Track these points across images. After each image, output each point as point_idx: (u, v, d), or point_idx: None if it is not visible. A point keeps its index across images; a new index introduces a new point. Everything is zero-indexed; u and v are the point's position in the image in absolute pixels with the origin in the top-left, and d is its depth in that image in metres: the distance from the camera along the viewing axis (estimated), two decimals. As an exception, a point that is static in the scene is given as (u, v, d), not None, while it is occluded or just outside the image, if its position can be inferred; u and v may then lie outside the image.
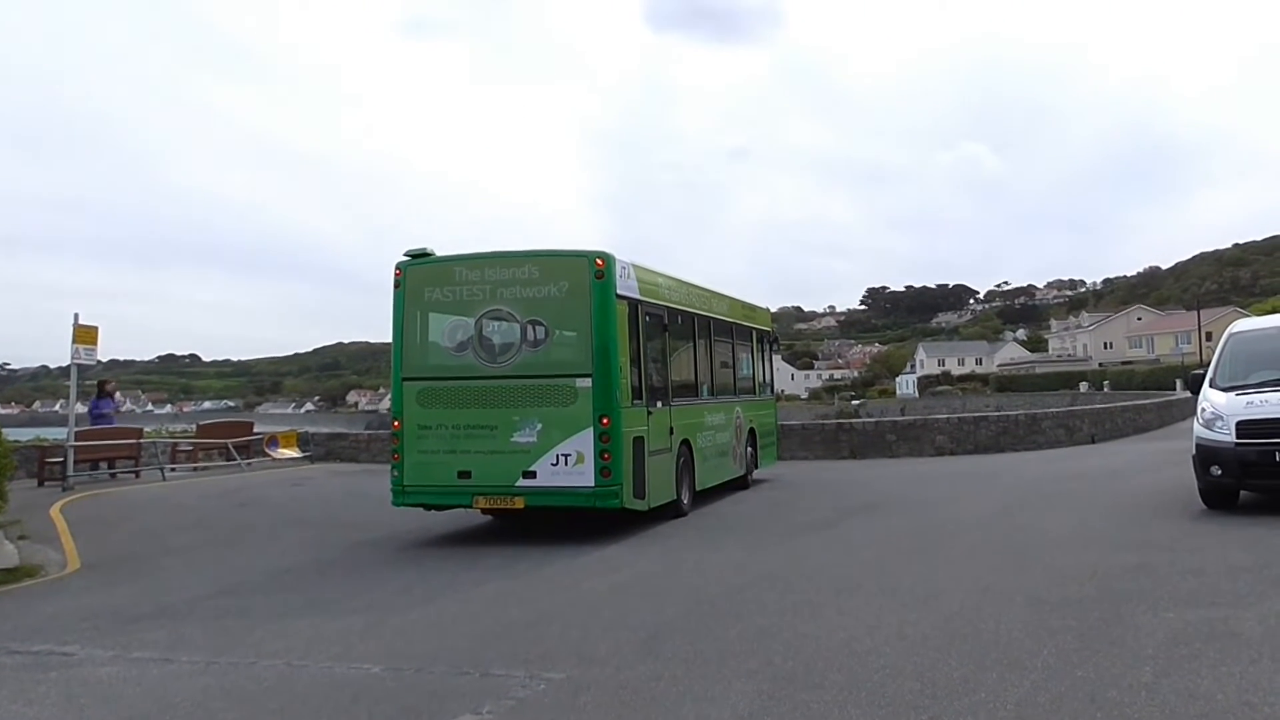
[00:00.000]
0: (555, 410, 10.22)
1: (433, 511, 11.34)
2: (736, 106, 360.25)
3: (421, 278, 10.86)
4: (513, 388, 10.36)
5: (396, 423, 10.76)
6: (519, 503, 10.33)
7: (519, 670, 5.27)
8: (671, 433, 11.77)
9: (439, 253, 10.99)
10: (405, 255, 10.98)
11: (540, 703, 4.75)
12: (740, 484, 14.68)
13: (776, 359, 18.76)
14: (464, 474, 10.38)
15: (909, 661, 5.08)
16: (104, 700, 5.15)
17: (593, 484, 10.07)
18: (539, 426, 10.23)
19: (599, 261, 10.34)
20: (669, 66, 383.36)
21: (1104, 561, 7.62)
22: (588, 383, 10.19)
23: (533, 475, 10.19)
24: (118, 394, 21.86)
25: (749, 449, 15.22)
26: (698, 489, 12.59)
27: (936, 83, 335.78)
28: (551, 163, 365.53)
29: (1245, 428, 9.48)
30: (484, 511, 11.25)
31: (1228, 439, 9.56)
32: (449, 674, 5.30)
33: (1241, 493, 10.11)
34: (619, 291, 10.52)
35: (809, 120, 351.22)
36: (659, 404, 11.52)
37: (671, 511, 11.59)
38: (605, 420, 10.10)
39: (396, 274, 10.85)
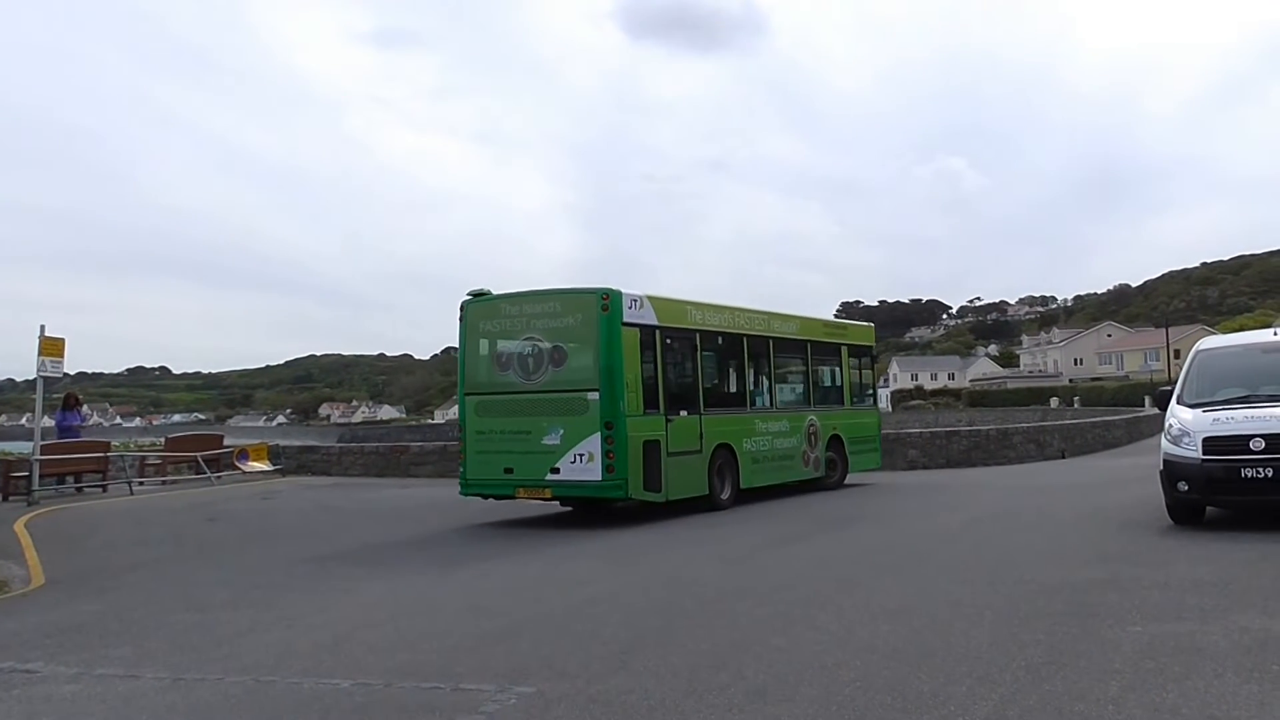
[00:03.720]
0: (573, 418, 12.51)
1: (489, 500, 13.68)
2: (713, 117, 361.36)
3: (477, 312, 13.57)
4: (542, 400, 12.79)
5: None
6: (548, 493, 12.98)
7: (489, 684, 5.24)
8: (702, 437, 13.74)
9: (477, 285, 13.54)
10: (467, 295, 13.68)
11: (510, 716, 4.72)
12: (818, 485, 16.55)
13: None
14: (508, 470, 12.88)
15: (880, 674, 5.10)
16: (67, 717, 5.07)
17: (600, 478, 12.32)
18: (561, 431, 12.55)
19: (605, 297, 12.61)
20: (645, 76, 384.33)
21: (1073, 576, 7.68)
22: (596, 396, 12.45)
23: (557, 471, 12.55)
24: (84, 407, 21.55)
25: (831, 454, 16.90)
26: (744, 486, 14.50)
27: (912, 98, 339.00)
28: (526, 172, 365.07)
29: (1211, 444, 9.60)
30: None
31: (1194, 455, 9.68)
32: (419, 688, 5.26)
33: (1208, 508, 10.24)
34: (626, 320, 12.68)
35: (785, 132, 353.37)
36: (683, 412, 13.53)
37: (705, 504, 13.66)
38: (610, 426, 12.33)
39: (460, 310, 13.60)
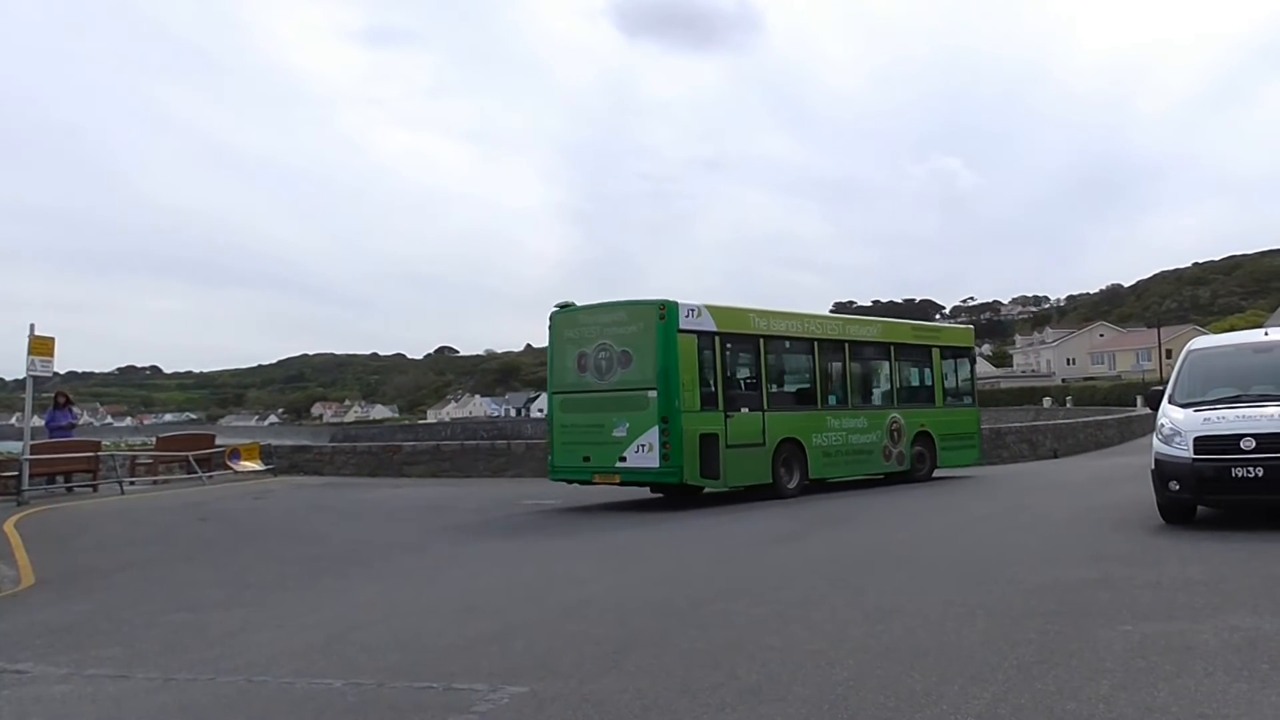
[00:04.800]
0: (636, 414, 14.25)
1: (570, 484, 15.54)
2: (708, 116, 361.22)
3: (561, 322, 15.51)
4: (611, 398, 14.60)
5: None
6: (617, 479, 14.66)
7: (482, 683, 5.23)
8: (765, 432, 15.31)
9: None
10: (555, 307, 15.67)
11: (503, 716, 4.72)
12: (905, 478, 17.76)
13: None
14: (586, 458, 14.71)
15: (873, 673, 5.11)
16: (57, 718, 5.06)
17: (658, 465, 14.04)
18: (627, 425, 14.30)
19: (662, 308, 14.38)
20: (640, 74, 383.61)
21: (1065, 575, 7.70)
22: (654, 394, 14.15)
23: (625, 460, 14.31)
24: (74, 406, 21.45)
25: (917, 449, 18.07)
26: (813, 477, 16.09)
27: (907, 97, 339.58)
28: (520, 171, 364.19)
29: (1203, 444, 9.63)
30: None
31: (1186, 455, 9.71)
32: (411, 688, 5.26)
33: (1199, 507, 10.27)
34: (683, 327, 14.38)
35: (780, 131, 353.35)
36: (744, 409, 15.13)
37: (770, 492, 15.28)
38: (665, 420, 14.03)
39: (549, 320, 15.62)
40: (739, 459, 14.81)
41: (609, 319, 14.97)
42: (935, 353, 18.94)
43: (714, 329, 14.88)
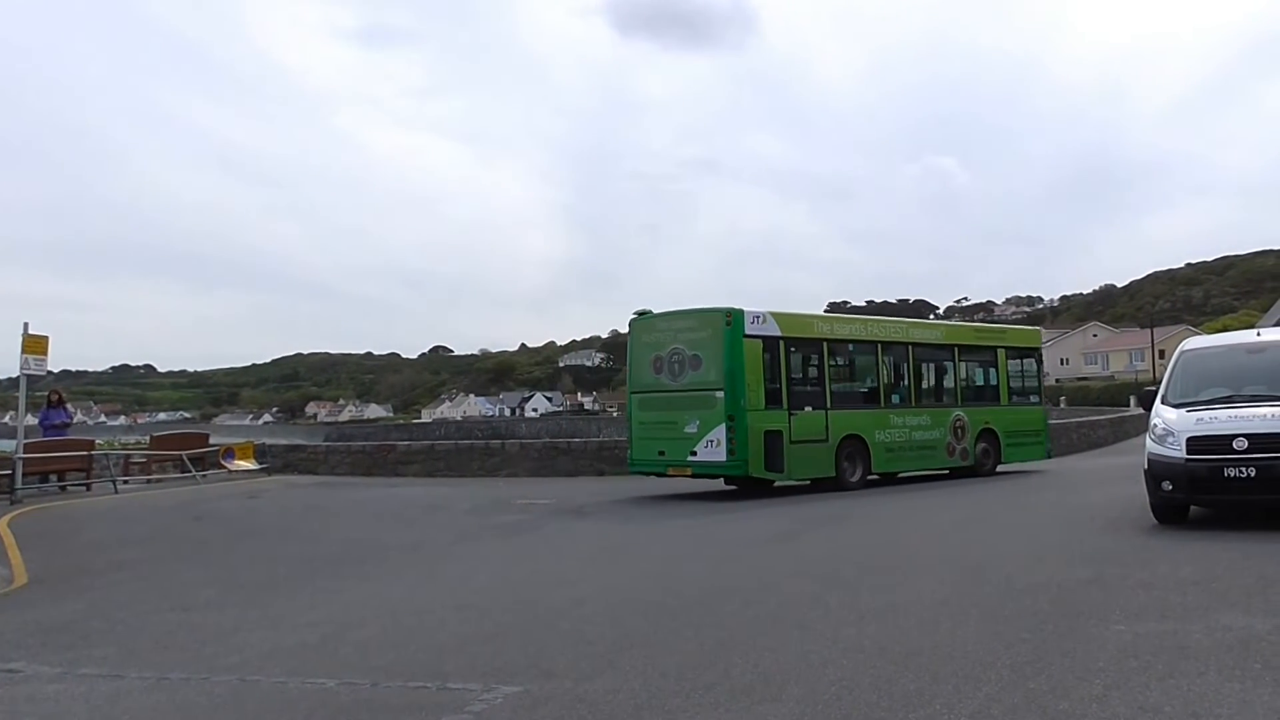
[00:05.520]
0: (705, 412, 15.55)
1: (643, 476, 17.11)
2: (703, 115, 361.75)
3: (640, 328, 17.00)
4: (684, 398, 15.95)
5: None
6: (689, 471, 15.89)
7: (476, 683, 5.23)
8: (828, 429, 16.42)
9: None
10: (633, 314, 17.27)
11: (497, 716, 4.72)
12: (970, 472, 18.60)
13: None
14: (661, 453, 16.13)
15: (866, 673, 5.11)
16: (50, 717, 5.05)
17: (725, 459, 15.32)
18: (697, 422, 15.59)
19: (728, 315, 15.59)
20: (635, 72, 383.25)
21: (1058, 575, 7.71)
22: (721, 394, 15.42)
23: (695, 454, 15.61)
24: (68, 404, 21.37)
25: (981, 445, 18.93)
26: (877, 471, 17.13)
27: (902, 96, 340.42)
28: (514, 170, 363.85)
29: (1195, 444, 9.64)
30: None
31: (1179, 455, 9.72)
32: (405, 688, 5.25)
33: (1192, 507, 10.30)
34: (748, 333, 15.58)
35: (774, 130, 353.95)
36: (808, 408, 16.29)
37: (832, 484, 16.35)
38: (731, 418, 15.27)
39: (629, 327, 17.32)
40: (802, 454, 15.97)
41: (681, 325, 16.33)
42: (1000, 353, 19.83)
43: (778, 334, 16.11)
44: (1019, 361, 20.29)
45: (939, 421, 18.32)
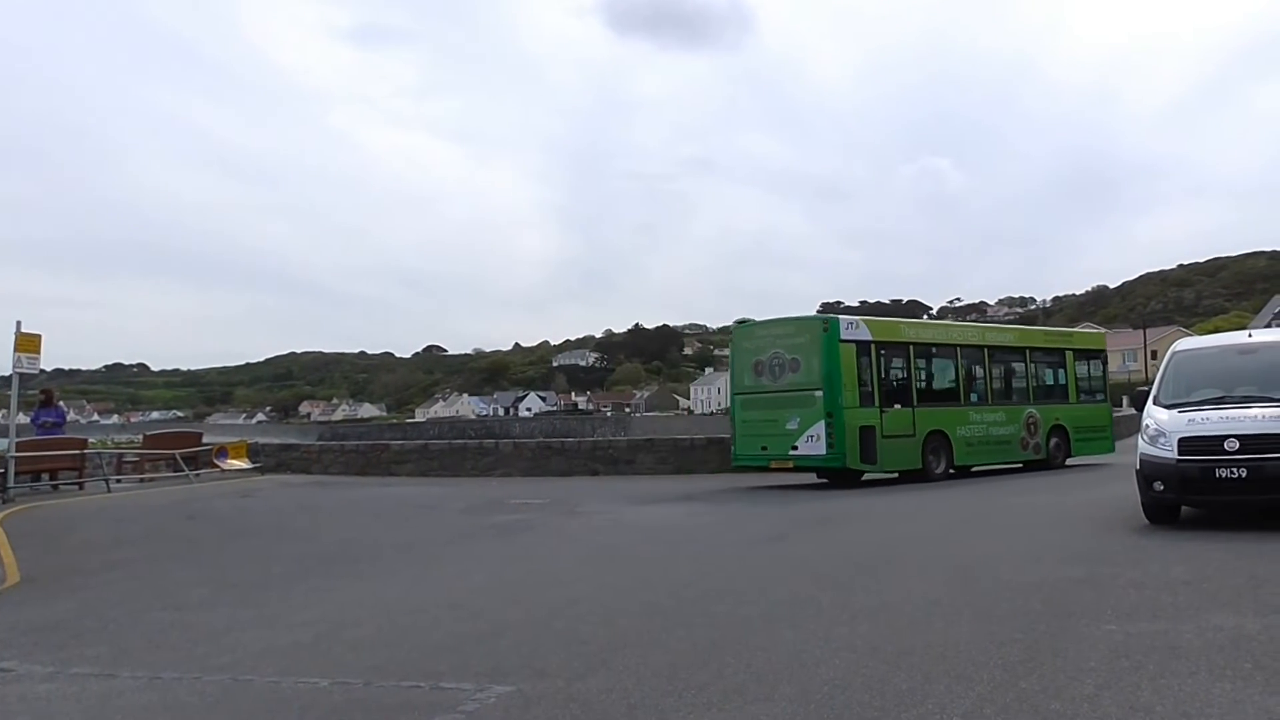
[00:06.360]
0: (805, 410, 17.09)
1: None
2: (699, 115, 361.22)
3: (741, 335, 18.70)
4: (784, 397, 17.50)
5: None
6: (790, 464, 17.43)
7: (469, 683, 5.23)
8: (914, 424, 17.92)
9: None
10: (735, 323, 19.12)
11: (489, 715, 4.72)
12: (1042, 465, 20.04)
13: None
14: (763, 448, 17.72)
15: (859, 673, 5.12)
16: (42, 717, 5.03)
17: (824, 453, 16.87)
18: (798, 419, 17.14)
19: (825, 323, 17.49)
20: (631, 72, 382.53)
21: (1050, 575, 7.73)
22: (821, 394, 16.98)
23: (796, 449, 17.16)
24: (61, 403, 21.28)
25: (1053, 440, 20.40)
26: (958, 464, 18.67)
27: (897, 97, 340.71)
28: (509, 169, 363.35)
29: (1187, 444, 9.67)
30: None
31: (1170, 455, 9.76)
32: (398, 687, 5.25)
33: (1183, 508, 10.33)
34: (843, 338, 17.18)
35: (770, 130, 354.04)
36: (897, 405, 17.78)
37: (919, 476, 17.80)
38: (830, 416, 16.83)
39: (731, 334, 19.18)
40: (893, 448, 17.50)
41: (780, 332, 18.02)
42: (1069, 355, 21.46)
43: (870, 338, 17.71)
44: (1085, 363, 21.83)
45: (1013, 418, 19.78)
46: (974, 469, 19.42)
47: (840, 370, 16.98)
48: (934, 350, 19.26)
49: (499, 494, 17.28)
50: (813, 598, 7.25)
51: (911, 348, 18.58)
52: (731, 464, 18.72)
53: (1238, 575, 7.43)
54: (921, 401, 18.32)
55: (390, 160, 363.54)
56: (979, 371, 19.83)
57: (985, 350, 19.92)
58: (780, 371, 17.63)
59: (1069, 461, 20.69)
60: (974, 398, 19.59)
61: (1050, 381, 21.27)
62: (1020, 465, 20.01)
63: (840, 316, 17.79)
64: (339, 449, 25.28)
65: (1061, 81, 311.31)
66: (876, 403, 17.45)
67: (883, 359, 17.96)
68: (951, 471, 18.38)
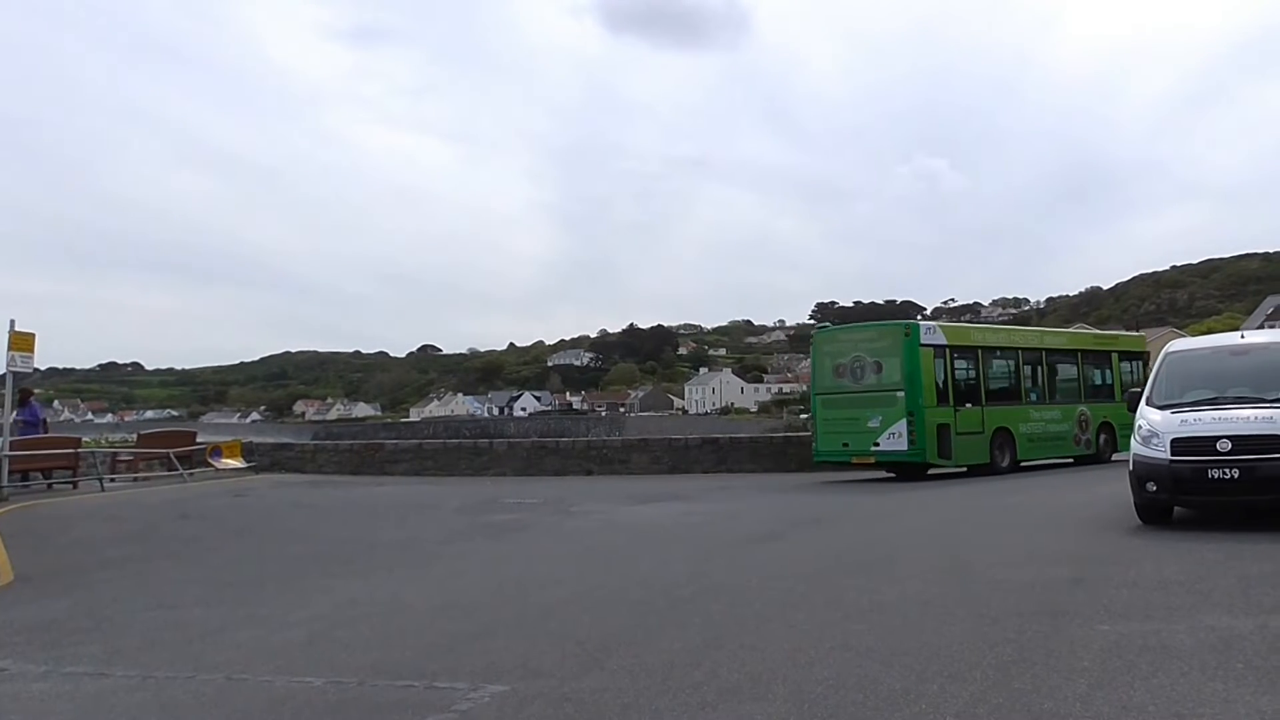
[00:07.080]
0: (887, 409, 18.22)
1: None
2: (694, 115, 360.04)
3: (822, 339, 20.20)
4: (866, 397, 18.60)
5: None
6: (872, 460, 18.59)
7: (463, 682, 5.24)
8: (983, 422, 19.20)
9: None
10: (817, 328, 20.81)
11: (484, 715, 4.72)
12: (1093, 460, 21.13)
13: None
14: (845, 444, 18.85)
15: (852, 673, 5.14)
16: (35, 716, 5.03)
17: (906, 449, 18.05)
18: (880, 418, 18.22)
19: (907, 329, 18.74)
20: (626, 72, 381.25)
21: (1043, 575, 7.75)
22: (902, 394, 18.17)
23: (878, 445, 18.28)
24: (35, 402, 20.90)
25: (1102, 437, 21.78)
26: (1020, 459, 19.87)
27: (894, 98, 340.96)
28: (504, 170, 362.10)
29: (1180, 445, 9.69)
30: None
31: (1163, 456, 9.78)
32: (392, 686, 5.25)
33: (1176, 508, 10.36)
34: (923, 342, 18.46)
35: (766, 131, 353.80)
36: (968, 405, 19.11)
37: (987, 469, 18.95)
38: (911, 415, 18.00)
39: (812, 338, 20.68)
40: (965, 443, 18.77)
41: (862, 336, 19.65)
42: (1114, 356, 22.94)
43: (945, 343, 19.08)
44: (1130, 364, 23.07)
45: (1067, 416, 21.22)
46: (1028, 464, 20.37)
47: (920, 372, 18.17)
48: (999, 353, 20.73)
49: (493, 493, 17.28)
50: (806, 597, 7.27)
51: (980, 351, 19.98)
52: (813, 460, 19.75)
53: (1230, 576, 7.45)
54: (989, 401, 19.59)
55: (385, 159, 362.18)
56: (1038, 373, 21.16)
57: (1043, 353, 21.43)
58: (862, 373, 18.75)
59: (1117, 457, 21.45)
60: (1033, 397, 20.89)
61: (1099, 382, 22.53)
62: (1071, 460, 21.08)
63: (920, 322, 19.15)
64: (333, 448, 25.26)
65: (1058, 84, 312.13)
66: (951, 402, 18.71)
67: (956, 361, 19.25)
68: (1016, 465, 19.59)
